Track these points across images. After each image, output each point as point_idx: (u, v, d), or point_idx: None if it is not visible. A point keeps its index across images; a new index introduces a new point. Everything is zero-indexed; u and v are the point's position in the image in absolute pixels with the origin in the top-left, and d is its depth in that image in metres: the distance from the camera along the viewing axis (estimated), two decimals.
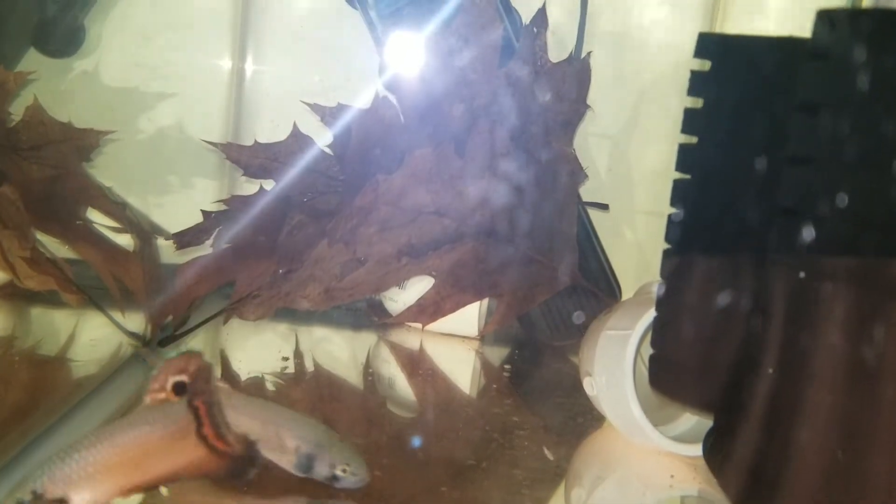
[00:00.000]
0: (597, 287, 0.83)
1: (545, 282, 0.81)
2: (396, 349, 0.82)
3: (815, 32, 0.38)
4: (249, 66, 0.92)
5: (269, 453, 0.50)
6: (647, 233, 0.93)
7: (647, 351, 0.55)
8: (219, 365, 0.73)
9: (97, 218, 0.79)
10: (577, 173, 0.79)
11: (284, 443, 0.50)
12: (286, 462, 0.50)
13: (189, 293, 0.73)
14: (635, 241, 0.94)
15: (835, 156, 0.37)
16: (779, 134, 0.42)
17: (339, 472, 0.50)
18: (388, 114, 0.74)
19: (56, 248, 0.78)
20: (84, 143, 0.74)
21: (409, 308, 0.81)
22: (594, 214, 0.86)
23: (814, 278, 0.42)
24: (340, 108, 0.73)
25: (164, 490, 0.45)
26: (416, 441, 0.55)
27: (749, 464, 0.46)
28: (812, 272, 0.42)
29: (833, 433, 0.42)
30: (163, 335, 0.73)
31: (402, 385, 0.74)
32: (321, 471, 0.50)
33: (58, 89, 0.89)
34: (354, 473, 0.50)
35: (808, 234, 0.39)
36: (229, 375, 0.70)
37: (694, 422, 0.61)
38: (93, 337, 0.75)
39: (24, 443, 0.53)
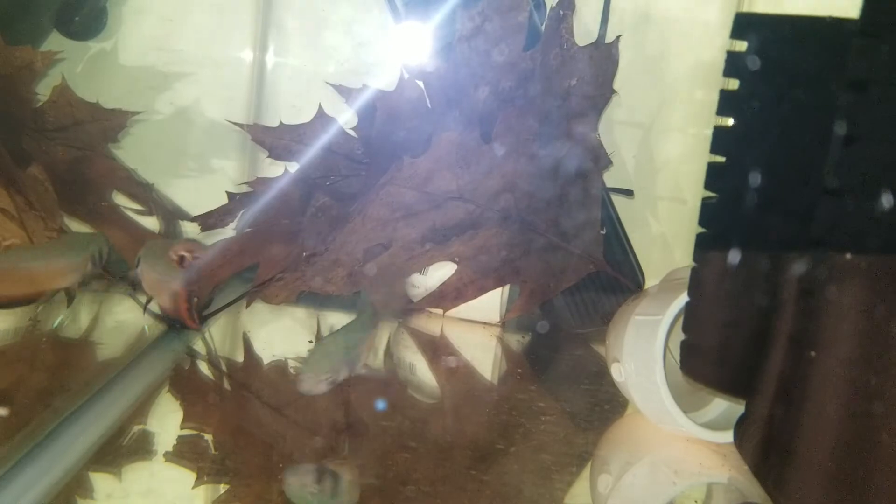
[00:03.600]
0: (621, 274, 0.82)
1: (569, 269, 0.80)
2: (417, 335, 0.81)
3: (865, 9, 0.37)
4: (272, 48, 0.92)
5: None
6: (671, 220, 0.92)
7: (676, 338, 0.55)
8: (242, 347, 0.73)
9: (122, 200, 0.79)
10: (602, 159, 0.78)
11: None
12: None
13: (213, 276, 0.72)
14: (659, 228, 0.93)
15: (887, 135, 0.36)
16: (822, 116, 0.41)
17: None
18: (413, 96, 0.74)
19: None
20: (111, 123, 0.74)
21: (431, 294, 0.81)
22: (618, 201, 0.85)
23: (850, 266, 0.41)
24: (365, 90, 0.73)
25: None
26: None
27: (783, 450, 0.46)
28: (850, 260, 0.41)
29: (871, 420, 0.42)
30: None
31: (424, 371, 0.74)
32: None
33: (79, 72, 0.89)
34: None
35: (851, 217, 0.39)
36: (252, 357, 0.70)
37: (723, 409, 0.61)
38: (117, 320, 0.75)
39: (60, 419, 0.53)
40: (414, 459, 0.53)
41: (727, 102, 0.49)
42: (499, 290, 0.82)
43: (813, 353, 0.41)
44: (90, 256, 0.66)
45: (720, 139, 0.49)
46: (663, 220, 0.93)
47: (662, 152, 0.91)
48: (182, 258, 0.63)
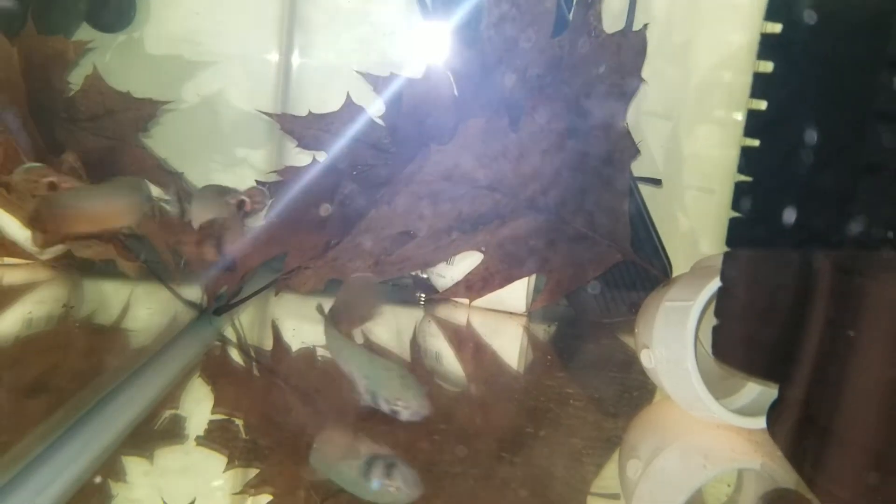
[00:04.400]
0: (648, 263, 0.81)
1: (596, 258, 0.80)
2: (443, 324, 0.81)
3: None
4: (297, 42, 0.92)
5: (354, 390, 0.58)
6: (699, 209, 0.91)
7: (706, 326, 0.54)
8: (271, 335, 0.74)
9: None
10: (630, 148, 0.78)
11: (356, 382, 0.57)
12: (362, 397, 0.57)
13: (243, 264, 0.73)
14: (686, 217, 0.92)
15: None
16: (861, 95, 0.41)
17: (396, 407, 0.54)
18: (439, 84, 0.74)
19: None
20: (141, 113, 0.75)
21: (457, 283, 0.81)
22: (646, 191, 0.85)
23: (891, 245, 0.40)
24: (392, 78, 0.73)
25: None
26: None
27: (821, 432, 0.45)
28: (891, 238, 0.40)
29: None
30: (217, 305, 0.74)
31: (450, 360, 0.74)
32: (384, 406, 0.55)
33: (108, 63, 0.91)
34: (407, 407, 0.54)
35: (892, 195, 0.38)
36: (281, 345, 0.71)
37: (754, 395, 0.60)
38: (149, 307, 0.76)
39: (93, 402, 0.54)
40: (442, 443, 0.53)
41: (761, 85, 0.48)
42: (525, 279, 0.82)
43: (851, 333, 0.41)
44: (146, 197, 0.67)
45: (754, 122, 0.49)
46: (691, 210, 0.92)
47: (690, 141, 0.91)
48: (242, 202, 0.66)
